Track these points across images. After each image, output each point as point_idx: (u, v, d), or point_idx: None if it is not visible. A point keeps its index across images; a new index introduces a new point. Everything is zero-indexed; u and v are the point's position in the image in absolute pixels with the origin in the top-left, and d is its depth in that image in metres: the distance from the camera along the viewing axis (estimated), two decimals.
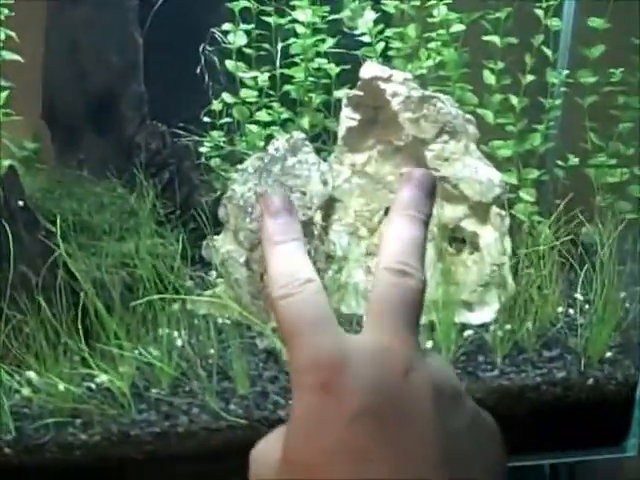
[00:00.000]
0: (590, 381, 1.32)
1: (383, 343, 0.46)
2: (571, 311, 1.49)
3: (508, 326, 1.38)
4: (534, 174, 1.67)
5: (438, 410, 0.46)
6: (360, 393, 0.44)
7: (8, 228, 1.28)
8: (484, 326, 1.44)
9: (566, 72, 1.66)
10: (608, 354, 1.37)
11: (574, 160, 1.64)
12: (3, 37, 1.50)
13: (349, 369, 0.45)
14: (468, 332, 1.42)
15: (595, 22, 1.62)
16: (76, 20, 1.58)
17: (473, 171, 1.44)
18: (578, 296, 1.50)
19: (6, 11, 1.51)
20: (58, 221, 1.24)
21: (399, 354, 0.46)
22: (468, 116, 1.49)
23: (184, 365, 1.31)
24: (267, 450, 0.50)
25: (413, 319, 0.48)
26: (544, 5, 1.59)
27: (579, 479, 1.62)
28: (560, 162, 1.67)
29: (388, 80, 1.47)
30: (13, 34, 1.51)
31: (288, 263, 0.49)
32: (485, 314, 1.46)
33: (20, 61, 1.52)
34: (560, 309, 1.48)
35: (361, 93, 1.50)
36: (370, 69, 1.48)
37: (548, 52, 1.64)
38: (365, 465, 0.43)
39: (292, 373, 0.47)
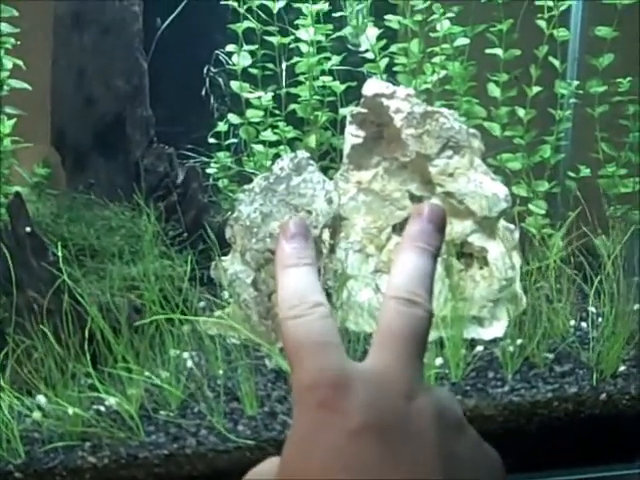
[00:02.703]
0: (603, 396, 1.30)
1: (387, 368, 0.46)
2: (583, 324, 1.47)
3: (519, 341, 1.37)
4: (544, 186, 1.65)
5: (441, 435, 0.45)
6: (363, 411, 0.43)
7: (16, 254, 1.30)
8: (495, 341, 1.43)
9: (576, 83, 1.65)
10: (622, 368, 1.34)
11: (585, 171, 1.63)
12: (10, 66, 1.53)
13: (352, 389, 0.44)
14: (479, 348, 1.41)
15: (602, 31, 1.60)
16: (82, 47, 1.61)
17: (478, 186, 1.43)
18: (591, 309, 1.47)
19: (12, 40, 1.53)
20: (59, 246, 1.26)
21: (403, 379, 0.46)
22: (472, 130, 1.48)
23: (193, 386, 1.32)
24: (261, 476, 0.48)
25: (419, 348, 0.47)
26: (546, 16, 1.58)
27: None
28: (571, 173, 1.65)
29: (391, 97, 1.47)
30: (21, 63, 1.54)
31: (299, 286, 0.49)
32: (496, 329, 1.45)
33: (28, 89, 1.55)
34: (572, 322, 1.46)
35: (364, 110, 1.50)
36: (373, 86, 1.48)
37: (556, 63, 1.63)
38: None
39: (294, 392, 0.46)
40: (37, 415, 1.25)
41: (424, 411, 0.45)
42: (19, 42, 1.54)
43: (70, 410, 1.23)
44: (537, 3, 1.59)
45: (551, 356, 1.38)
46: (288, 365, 0.48)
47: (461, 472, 0.45)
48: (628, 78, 1.58)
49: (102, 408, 1.29)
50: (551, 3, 1.58)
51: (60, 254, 1.28)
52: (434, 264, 0.49)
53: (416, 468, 0.43)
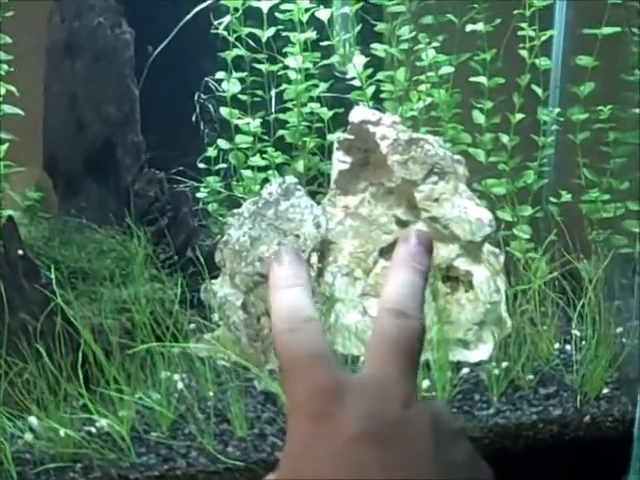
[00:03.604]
0: (587, 418, 1.32)
1: (382, 377, 0.46)
2: (568, 347, 1.49)
3: (504, 364, 1.39)
4: (528, 211, 1.69)
5: (437, 441, 0.45)
6: (359, 419, 0.44)
7: (8, 277, 1.31)
8: (480, 364, 1.45)
9: (557, 110, 1.69)
10: (605, 390, 1.37)
11: (567, 196, 1.66)
12: (4, 92, 1.55)
13: (347, 398, 0.44)
14: (465, 370, 1.43)
15: (583, 60, 1.65)
16: (74, 74, 1.63)
17: (462, 211, 1.46)
18: (575, 332, 1.50)
19: (6, 67, 1.56)
20: (52, 269, 1.27)
21: (398, 386, 0.46)
22: (457, 157, 1.52)
23: (183, 408, 1.33)
24: None
25: (412, 358, 0.48)
26: (528, 46, 1.62)
27: None
28: (554, 199, 1.69)
29: (377, 123, 1.50)
30: (14, 89, 1.56)
31: (292, 303, 0.49)
32: (482, 352, 1.47)
33: (21, 115, 1.57)
34: (556, 345, 1.48)
35: (351, 137, 1.53)
36: (359, 113, 1.51)
37: (538, 91, 1.67)
38: None
39: (288, 405, 0.47)
40: (29, 436, 1.26)
41: (420, 418, 0.46)
42: (12, 68, 1.56)
43: (62, 431, 1.24)
44: (519, 33, 1.64)
45: (536, 379, 1.40)
46: (282, 379, 0.48)
47: (456, 478, 0.46)
48: (609, 106, 1.62)
49: (93, 429, 1.30)
50: (533, 33, 1.62)
51: (52, 277, 1.29)
52: (424, 282, 0.51)
53: (413, 474, 0.44)
